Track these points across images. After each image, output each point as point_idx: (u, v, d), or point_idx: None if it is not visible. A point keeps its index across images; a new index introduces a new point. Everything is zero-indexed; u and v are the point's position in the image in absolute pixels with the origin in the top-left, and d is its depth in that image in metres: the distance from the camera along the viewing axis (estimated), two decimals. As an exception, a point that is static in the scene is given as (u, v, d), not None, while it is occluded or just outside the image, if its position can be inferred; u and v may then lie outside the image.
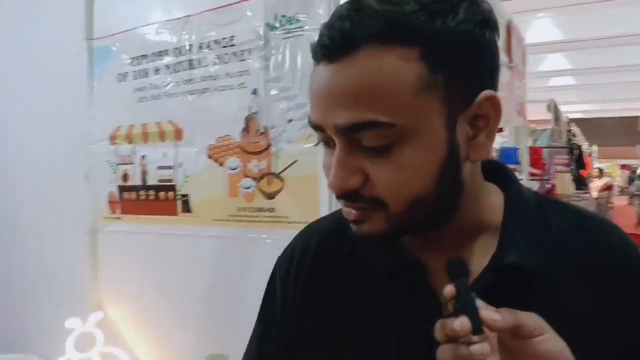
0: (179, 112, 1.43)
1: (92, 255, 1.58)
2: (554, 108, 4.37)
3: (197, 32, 1.39)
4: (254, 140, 1.30)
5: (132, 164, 1.52)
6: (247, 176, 1.31)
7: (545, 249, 0.52)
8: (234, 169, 1.33)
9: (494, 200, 0.55)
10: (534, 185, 3.29)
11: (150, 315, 1.47)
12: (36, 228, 1.77)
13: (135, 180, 1.51)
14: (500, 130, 4.41)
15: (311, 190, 1.20)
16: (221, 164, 1.35)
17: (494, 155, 3.79)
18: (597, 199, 6.48)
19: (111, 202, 1.56)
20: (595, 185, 7.52)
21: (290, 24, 1.24)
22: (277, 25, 1.26)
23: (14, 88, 1.82)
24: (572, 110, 8.57)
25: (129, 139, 1.52)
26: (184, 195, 1.42)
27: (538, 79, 6.89)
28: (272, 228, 1.27)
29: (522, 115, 2.55)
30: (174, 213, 1.43)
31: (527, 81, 2.75)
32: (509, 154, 3.56)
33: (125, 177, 1.53)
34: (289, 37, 1.24)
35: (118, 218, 1.55)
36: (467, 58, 0.46)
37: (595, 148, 9.98)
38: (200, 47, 1.39)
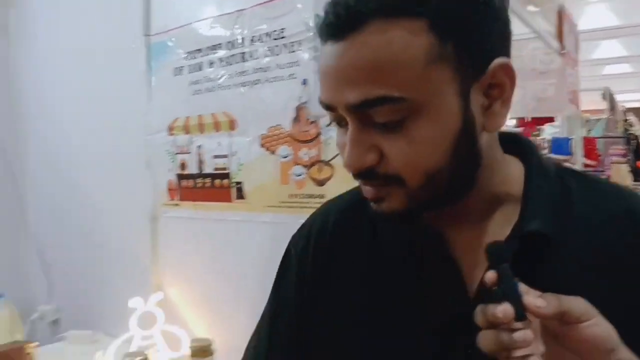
0: (232, 104, 1.48)
1: (153, 239, 1.65)
2: (609, 97, 4.21)
3: (248, 26, 1.44)
4: (304, 129, 1.33)
5: (189, 153, 1.58)
6: (297, 164, 1.35)
7: (567, 218, 0.50)
8: (285, 157, 1.37)
9: (513, 171, 0.53)
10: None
11: (207, 296, 1.53)
12: (101, 214, 1.86)
13: (192, 168, 1.58)
14: (552, 119, 4.28)
15: (360, 177, 1.22)
16: (273, 153, 1.39)
17: (545, 146, 3.69)
18: (656, 191, 6.17)
19: (170, 190, 1.64)
20: (654, 177, 7.14)
21: (339, 14, 1.26)
22: (327, 16, 1.28)
23: (78, 84, 1.92)
24: (629, 99, 8.15)
25: (186, 129, 1.59)
26: (238, 183, 1.47)
27: (592, 66, 6.60)
28: (322, 214, 1.30)
29: (575, 103, 2.49)
30: (229, 200, 1.48)
31: (580, 69, 2.67)
32: (561, 144, 3.46)
33: (182, 166, 1.60)
34: (338, 27, 1.26)
35: (176, 205, 1.62)
36: (477, 26, 0.44)
37: (654, 138, 9.46)
38: (252, 40, 1.43)
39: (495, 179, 0.51)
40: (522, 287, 0.41)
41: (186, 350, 1.42)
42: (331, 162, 1.29)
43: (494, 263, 0.42)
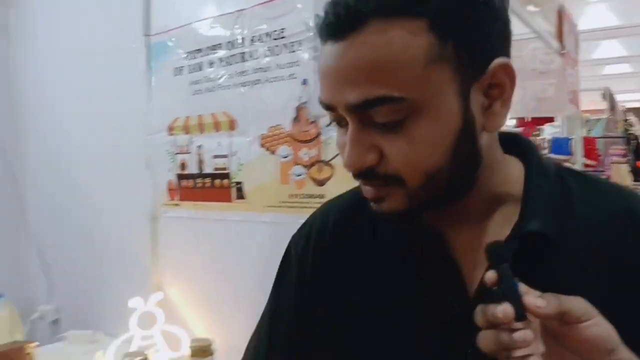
0: (232, 104, 1.48)
1: (153, 239, 1.65)
2: (609, 97, 4.21)
3: (248, 26, 1.44)
4: (304, 129, 1.33)
5: (189, 153, 1.59)
6: (297, 164, 1.35)
7: (567, 218, 0.50)
8: (285, 157, 1.37)
9: (513, 171, 0.53)
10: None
11: (207, 296, 1.53)
12: (101, 214, 1.86)
13: (192, 168, 1.58)
14: (552, 119, 4.28)
15: (360, 177, 1.23)
16: (273, 153, 1.39)
17: (545, 146, 3.69)
18: (656, 191, 6.17)
19: (170, 190, 1.64)
20: (654, 177, 7.14)
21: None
22: (327, 16, 1.29)
23: (78, 84, 1.92)
24: (629, 99, 8.15)
25: (186, 129, 1.59)
26: (238, 183, 1.47)
27: (592, 66, 6.60)
28: (322, 214, 1.30)
29: (575, 103, 2.49)
30: (229, 200, 1.49)
31: (580, 69, 2.67)
32: (561, 144, 3.46)
33: (182, 166, 1.60)
34: (338, 28, 1.27)
35: (176, 204, 1.62)
36: (477, 26, 0.44)
37: (654, 138, 9.46)
38: (252, 40, 1.43)
39: (495, 179, 0.52)
40: (522, 287, 0.41)
41: (186, 350, 1.42)
42: (331, 162, 1.29)
43: (494, 263, 0.42)
